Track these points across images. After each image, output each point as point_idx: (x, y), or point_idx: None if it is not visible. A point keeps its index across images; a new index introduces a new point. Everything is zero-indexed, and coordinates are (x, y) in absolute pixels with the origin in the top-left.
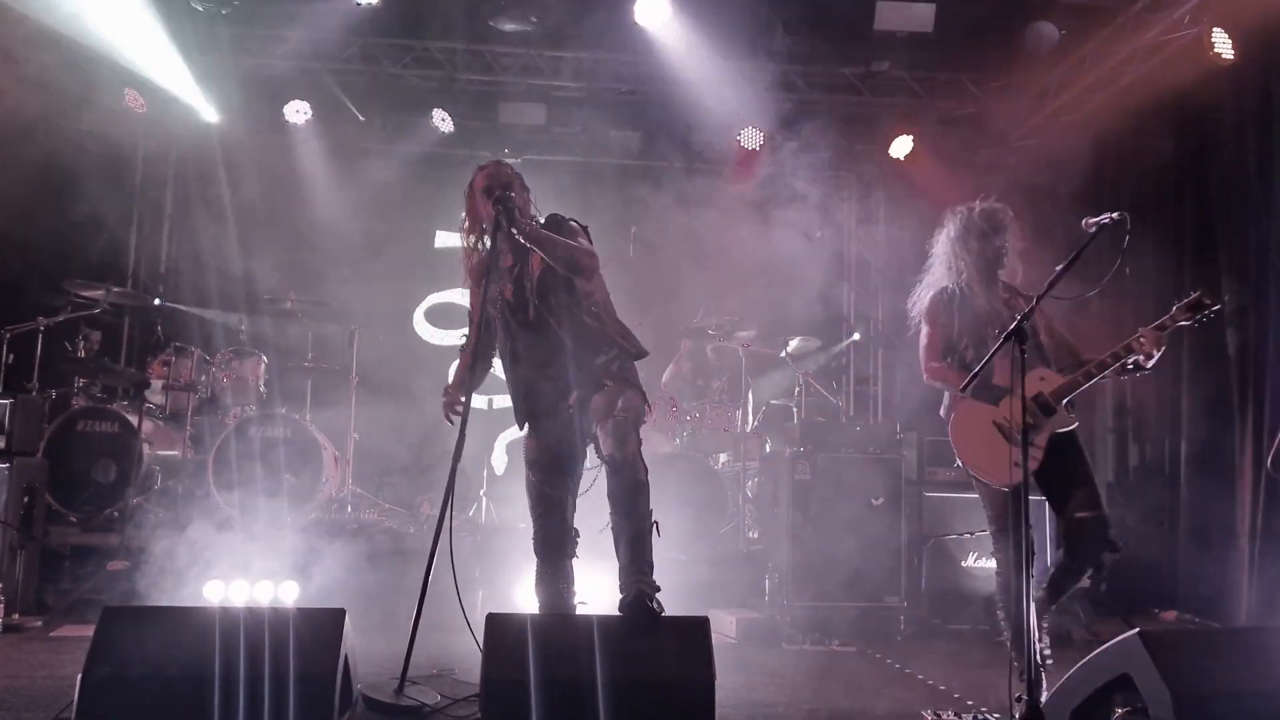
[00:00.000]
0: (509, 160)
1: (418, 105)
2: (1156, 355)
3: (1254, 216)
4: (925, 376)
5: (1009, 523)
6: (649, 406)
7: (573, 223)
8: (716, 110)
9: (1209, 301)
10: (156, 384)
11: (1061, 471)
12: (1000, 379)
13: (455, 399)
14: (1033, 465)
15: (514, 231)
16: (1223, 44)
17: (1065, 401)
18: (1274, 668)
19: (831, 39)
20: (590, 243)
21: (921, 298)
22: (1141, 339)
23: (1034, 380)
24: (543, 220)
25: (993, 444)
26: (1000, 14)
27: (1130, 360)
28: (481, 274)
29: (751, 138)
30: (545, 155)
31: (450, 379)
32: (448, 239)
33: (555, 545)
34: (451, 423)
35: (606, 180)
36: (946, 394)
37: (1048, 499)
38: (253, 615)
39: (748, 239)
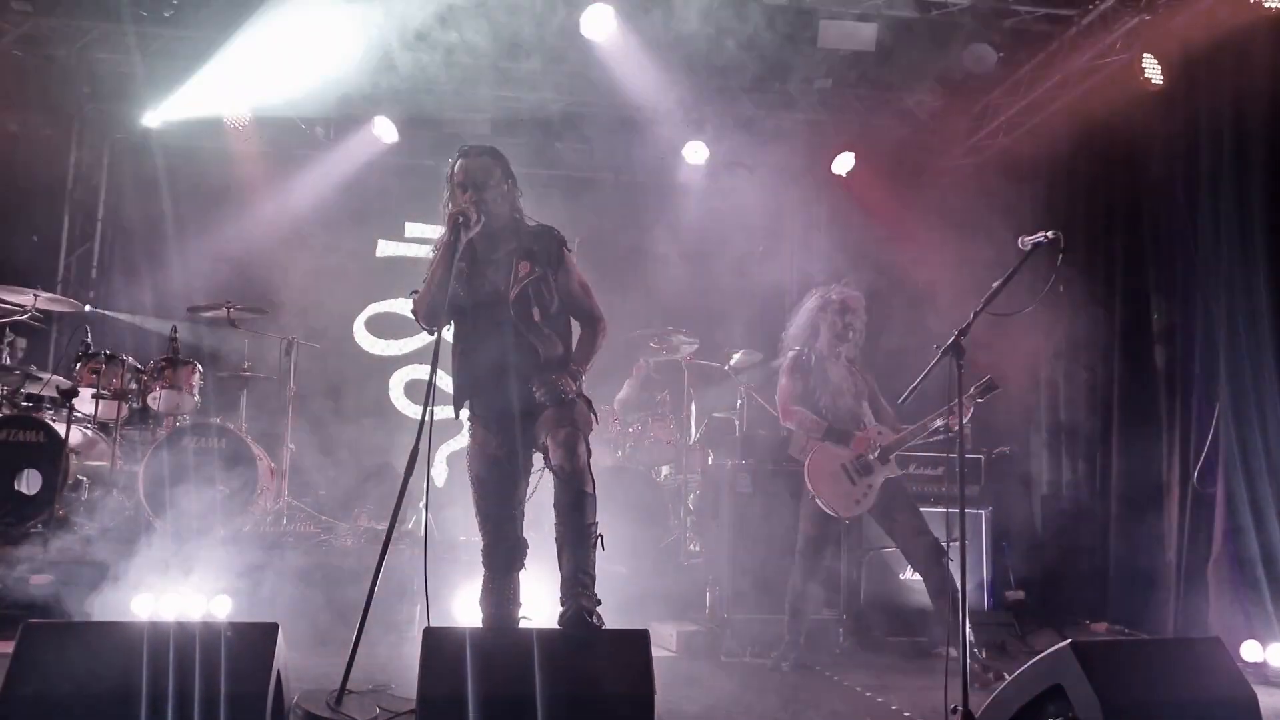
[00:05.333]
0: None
1: (360, 112)
2: (963, 423)
3: (1181, 238)
4: (782, 419)
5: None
6: (595, 418)
7: (566, 249)
8: (661, 124)
9: (996, 385)
10: (85, 392)
11: (893, 508)
12: (847, 427)
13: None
14: (867, 504)
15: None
16: (1152, 70)
17: (895, 455)
18: (1200, 677)
19: (775, 56)
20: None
21: (783, 353)
22: (949, 414)
23: (874, 434)
24: (533, 226)
25: (839, 482)
26: (940, 35)
27: (939, 426)
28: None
29: (695, 152)
30: None
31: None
32: (389, 248)
33: (505, 558)
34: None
35: (550, 191)
36: (798, 435)
37: (883, 528)
38: (182, 630)
39: (691, 252)
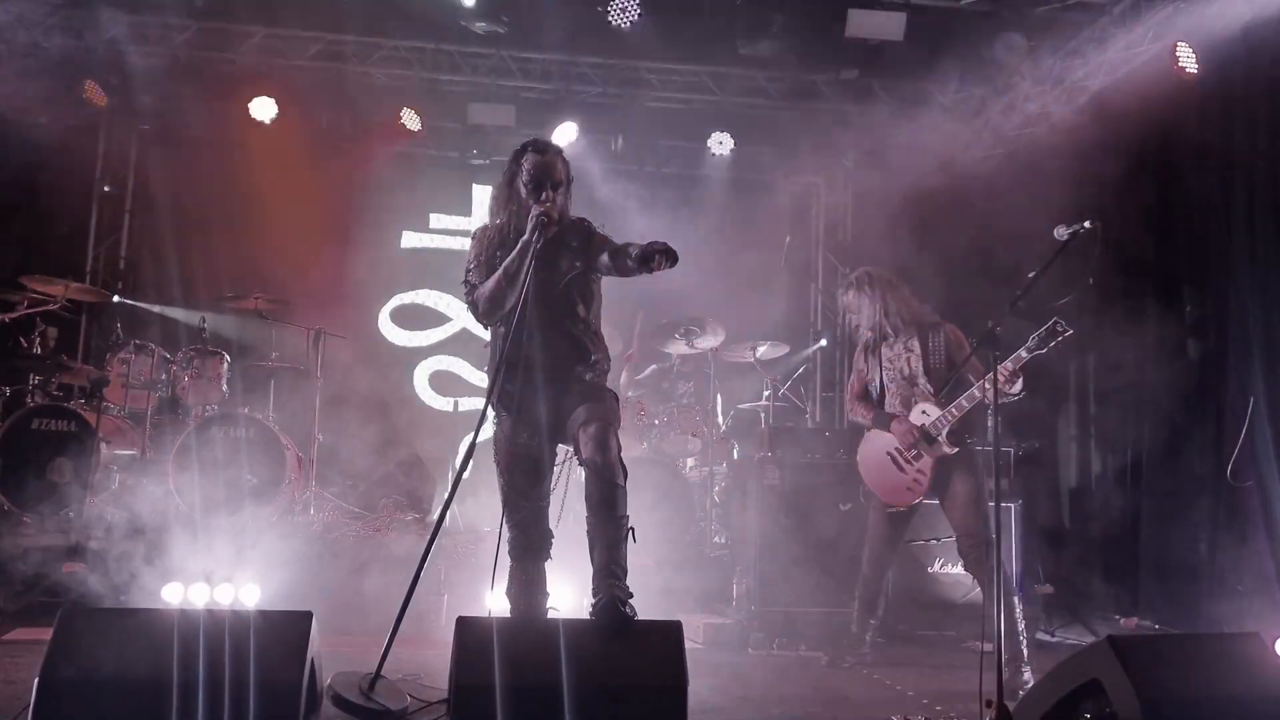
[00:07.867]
0: (555, 148)
1: (385, 104)
2: (1018, 384)
3: (1215, 229)
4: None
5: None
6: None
7: (594, 228)
8: (686, 114)
9: (1060, 329)
10: (115, 382)
11: (948, 494)
12: (888, 406)
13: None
14: (920, 490)
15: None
16: (1187, 58)
17: (946, 432)
18: (1240, 672)
19: (801, 45)
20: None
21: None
22: (1003, 371)
23: (918, 414)
24: (567, 221)
25: (887, 470)
26: (970, 24)
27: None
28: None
29: (720, 142)
30: None
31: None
32: (414, 239)
33: (532, 549)
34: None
35: (575, 182)
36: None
37: (945, 514)
38: (213, 618)
39: (717, 243)
